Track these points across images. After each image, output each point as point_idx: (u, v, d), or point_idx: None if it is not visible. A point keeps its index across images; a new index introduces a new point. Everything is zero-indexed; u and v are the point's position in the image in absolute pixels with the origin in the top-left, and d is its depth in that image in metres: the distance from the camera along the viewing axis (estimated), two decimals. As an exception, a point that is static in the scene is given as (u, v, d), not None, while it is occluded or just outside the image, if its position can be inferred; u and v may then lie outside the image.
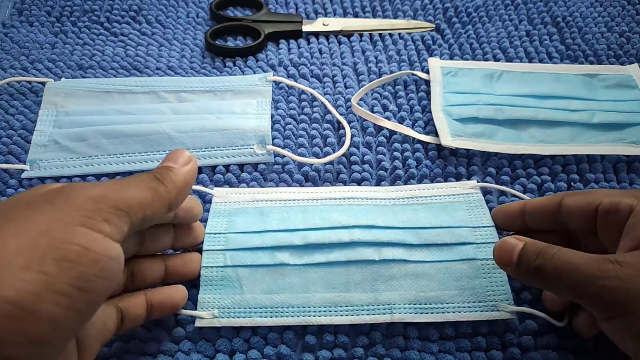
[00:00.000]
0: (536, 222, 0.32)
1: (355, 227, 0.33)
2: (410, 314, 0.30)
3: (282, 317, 0.30)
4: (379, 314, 0.30)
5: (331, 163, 0.38)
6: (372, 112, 0.41)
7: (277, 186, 0.37)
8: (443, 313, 0.30)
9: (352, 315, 0.30)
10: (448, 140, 0.38)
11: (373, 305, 0.30)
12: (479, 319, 0.30)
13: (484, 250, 0.32)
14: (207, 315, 0.30)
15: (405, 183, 0.37)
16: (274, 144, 0.39)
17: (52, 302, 0.20)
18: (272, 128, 0.40)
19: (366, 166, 0.38)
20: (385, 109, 0.42)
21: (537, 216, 0.31)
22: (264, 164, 0.38)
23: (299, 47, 0.47)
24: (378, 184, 0.37)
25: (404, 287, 0.31)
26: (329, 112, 0.41)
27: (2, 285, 0.19)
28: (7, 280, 0.19)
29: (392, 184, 0.37)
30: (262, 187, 0.37)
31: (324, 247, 0.32)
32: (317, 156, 0.39)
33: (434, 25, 0.49)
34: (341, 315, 0.30)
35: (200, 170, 0.38)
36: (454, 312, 0.30)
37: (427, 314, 0.30)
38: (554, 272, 0.26)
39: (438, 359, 0.29)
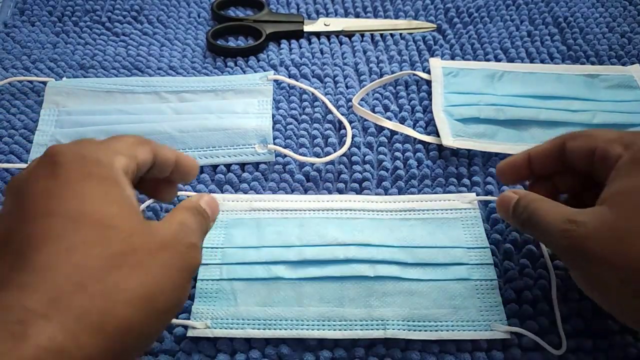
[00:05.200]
0: (544, 168, 0.31)
1: (351, 245, 0.33)
2: (404, 330, 0.30)
3: (274, 329, 0.30)
4: (372, 329, 0.30)
5: (332, 163, 0.38)
6: (373, 112, 0.41)
7: (278, 186, 0.37)
8: (436, 331, 0.30)
9: (345, 330, 0.30)
10: (449, 140, 0.38)
11: (366, 321, 0.30)
12: (472, 337, 0.30)
13: (477, 270, 0.32)
14: (199, 325, 0.30)
15: (406, 183, 0.37)
16: (275, 144, 0.39)
17: None
18: (273, 128, 0.40)
19: (367, 166, 0.38)
20: (386, 108, 0.42)
21: (544, 162, 0.31)
22: (265, 163, 0.38)
23: (300, 47, 0.47)
24: (379, 184, 0.37)
25: (397, 304, 0.31)
26: (330, 112, 0.41)
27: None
28: None
29: (393, 184, 0.37)
30: (262, 186, 0.37)
31: (319, 263, 0.32)
32: (318, 156, 0.39)
33: (435, 25, 0.49)
34: (334, 329, 0.30)
35: (202, 169, 0.38)
36: (447, 330, 0.30)
37: (420, 330, 0.30)
38: (535, 227, 0.28)
39: None
